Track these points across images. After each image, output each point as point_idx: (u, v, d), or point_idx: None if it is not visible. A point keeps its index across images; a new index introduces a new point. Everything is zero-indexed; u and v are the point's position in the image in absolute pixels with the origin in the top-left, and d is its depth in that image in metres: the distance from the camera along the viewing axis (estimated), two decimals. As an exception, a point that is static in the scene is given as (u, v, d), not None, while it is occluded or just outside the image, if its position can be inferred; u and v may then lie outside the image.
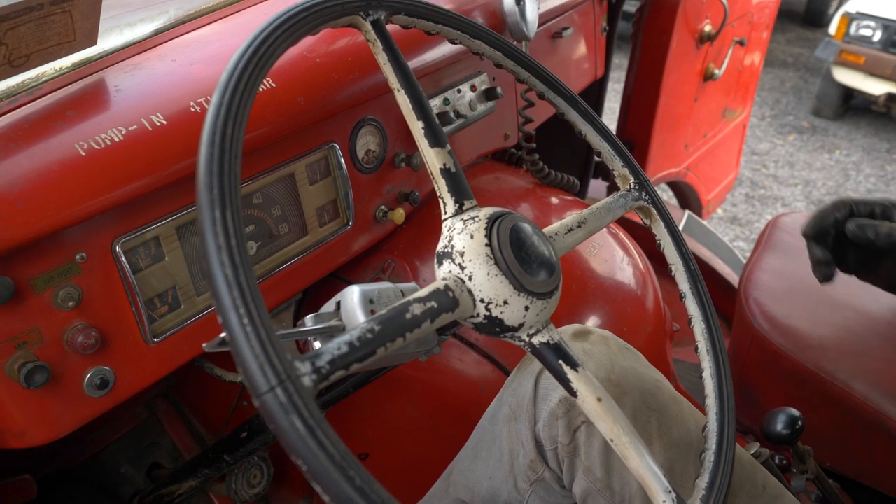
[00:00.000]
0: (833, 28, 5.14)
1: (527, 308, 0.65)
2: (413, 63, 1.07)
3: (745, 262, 1.73)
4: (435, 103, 1.20)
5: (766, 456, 1.04)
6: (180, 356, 0.89)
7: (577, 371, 0.68)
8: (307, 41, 0.95)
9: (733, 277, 2.09)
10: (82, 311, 0.78)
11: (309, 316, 0.69)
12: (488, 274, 0.64)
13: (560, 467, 0.86)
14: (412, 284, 0.75)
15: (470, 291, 0.64)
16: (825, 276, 0.93)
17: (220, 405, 1.35)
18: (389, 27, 0.73)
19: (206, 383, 1.36)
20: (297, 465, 0.44)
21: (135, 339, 0.83)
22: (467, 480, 0.95)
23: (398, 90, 0.72)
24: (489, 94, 1.30)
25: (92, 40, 0.81)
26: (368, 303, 0.69)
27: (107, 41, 0.92)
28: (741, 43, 2.23)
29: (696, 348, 0.82)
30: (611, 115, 4.05)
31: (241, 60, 0.56)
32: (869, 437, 1.26)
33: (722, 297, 2.01)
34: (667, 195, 3.09)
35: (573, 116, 0.86)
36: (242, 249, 0.48)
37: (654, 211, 0.86)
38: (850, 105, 5.57)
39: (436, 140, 0.71)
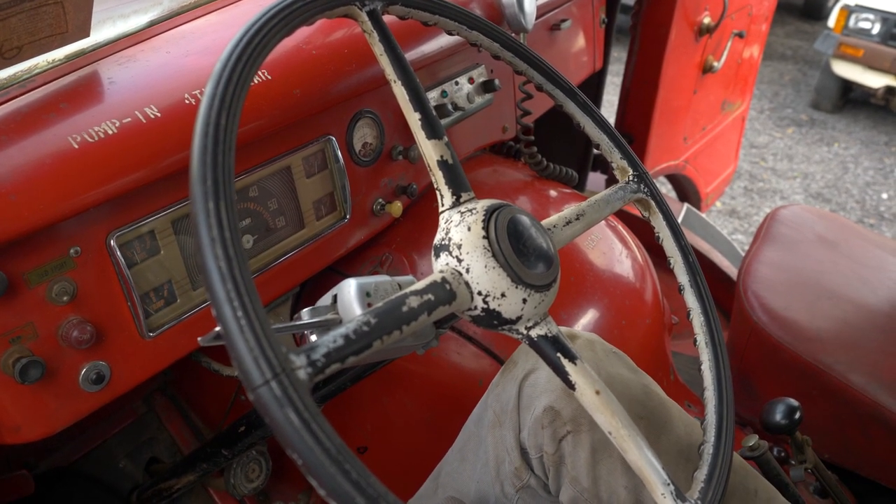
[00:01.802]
0: (832, 21, 5.13)
1: (524, 301, 0.65)
2: (410, 55, 1.06)
3: (743, 254, 1.73)
4: (432, 96, 1.19)
5: (764, 448, 1.04)
6: (177, 351, 0.89)
7: (575, 364, 0.67)
8: (303, 32, 0.94)
9: (732, 270, 2.09)
10: (77, 306, 0.77)
11: (305, 309, 0.69)
12: (486, 266, 0.63)
13: (546, 474, 0.85)
14: (409, 277, 0.75)
15: (467, 284, 0.63)
16: None
17: (218, 399, 1.35)
18: (386, 18, 0.72)
19: (204, 378, 1.35)
20: (293, 458, 0.44)
21: (130, 334, 0.83)
22: (455, 483, 0.94)
23: (395, 81, 0.71)
24: (487, 87, 1.29)
25: (85, 32, 0.80)
26: (365, 296, 0.68)
27: (100, 33, 0.91)
28: (740, 35, 2.22)
29: (695, 341, 0.81)
30: (609, 108, 4.03)
31: (234, 51, 0.55)
32: (867, 428, 1.26)
33: (721, 290, 2.01)
34: (665, 188, 3.09)
35: (572, 109, 0.85)
36: (237, 242, 0.47)
37: (652, 203, 0.85)
38: (849, 98, 5.56)
39: (433, 132, 0.70)
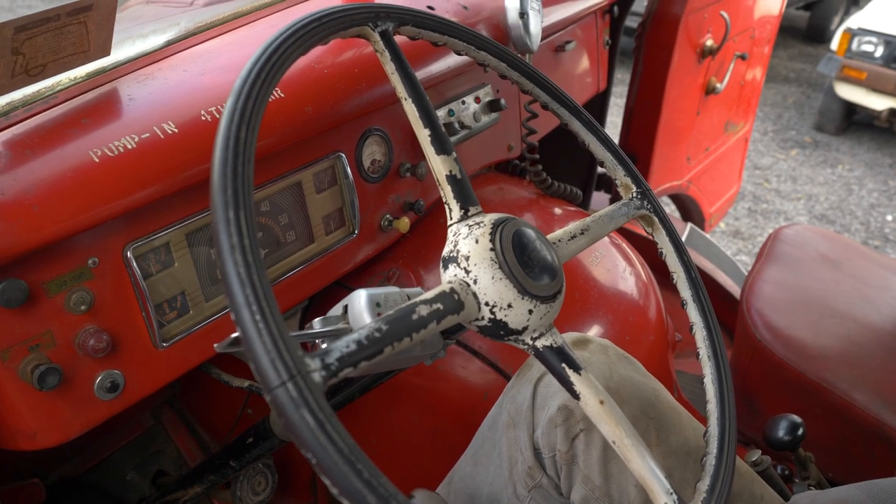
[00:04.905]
0: (835, 44, 5.17)
1: (530, 311, 0.66)
2: (418, 74, 1.09)
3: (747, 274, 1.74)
4: (440, 114, 1.21)
5: (767, 464, 1.04)
6: (189, 361, 0.90)
7: (579, 374, 0.69)
8: (315, 52, 0.97)
9: (735, 290, 2.10)
10: (94, 315, 0.79)
11: (317, 319, 0.70)
12: (493, 278, 0.65)
13: (558, 475, 0.87)
14: (418, 289, 0.77)
15: (475, 295, 0.65)
16: None
17: (225, 413, 1.36)
18: (397, 38, 0.75)
19: (212, 391, 1.36)
20: (307, 458, 0.45)
21: (144, 344, 0.85)
22: (468, 487, 0.95)
23: (405, 99, 0.73)
24: (493, 106, 1.31)
25: (106, 51, 0.83)
26: (375, 306, 0.70)
27: (120, 52, 0.94)
28: (743, 57, 2.25)
29: (698, 355, 0.83)
30: (613, 129, 4.07)
31: (254, 68, 0.58)
32: (870, 446, 1.27)
33: (724, 310, 2.02)
34: (669, 208, 3.10)
35: (577, 127, 0.87)
36: (255, 249, 0.49)
37: (656, 220, 0.87)
38: (853, 120, 5.58)
39: (442, 147, 0.72)
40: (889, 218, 4.36)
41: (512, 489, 0.90)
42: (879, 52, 4.91)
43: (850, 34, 5.04)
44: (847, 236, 3.98)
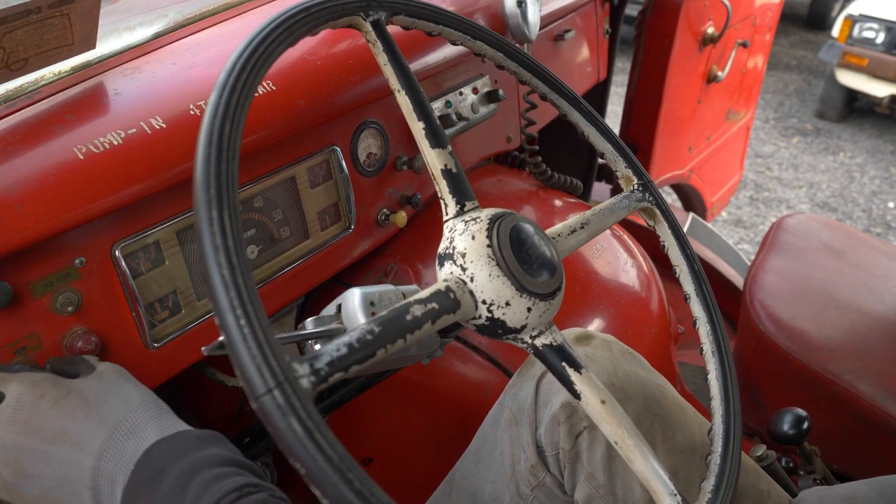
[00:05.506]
0: (836, 30, 5.13)
1: (529, 309, 0.64)
2: (414, 65, 1.07)
3: (749, 264, 1.72)
4: (436, 106, 1.19)
5: (772, 458, 1.03)
6: (181, 361, 0.88)
7: (580, 373, 0.67)
8: (307, 43, 0.95)
9: (738, 280, 2.08)
10: (82, 316, 0.77)
11: (309, 319, 0.68)
12: (490, 275, 0.63)
13: (561, 473, 0.85)
14: (414, 287, 0.75)
15: (471, 293, 0.63)
16: None
17: (222, 411, 1.34)
18: (390, 28, 0.73)
19: (209, 389, 1.35)
20: (296, 467, 0.44)
21: (135, 345, 0.83)
22: (470, 485, 0.94)
23: (399, 91, 0.71)
24: (491, 97, 1.29)
25: (90, 44, 0.81)
26: (369, 305, 0.68)
27: (106, 45, 0.92)
28: (744, 45, 2.22)
29: (702, 350, 0.81)
30: (614, 119, 4.04)
31: (238, 60, 0.56)
32: (875, 438, 1.25)
33: (727, 300, 2.00)
34: (671, 198, 3.08)
35: (576, 118, 0.85)
36: (240, 250, 0.47)
37: (657, 212, 0.85)
38: (854, 107, 5.55)
39: (437, 141, 0.70)
40: (891, 205, 4.34)
41: (514, 488, 0.89)
42: (881, 38, 4.88)
43: (852, 21, 5.00)
44: (849, 224, 3.96)
